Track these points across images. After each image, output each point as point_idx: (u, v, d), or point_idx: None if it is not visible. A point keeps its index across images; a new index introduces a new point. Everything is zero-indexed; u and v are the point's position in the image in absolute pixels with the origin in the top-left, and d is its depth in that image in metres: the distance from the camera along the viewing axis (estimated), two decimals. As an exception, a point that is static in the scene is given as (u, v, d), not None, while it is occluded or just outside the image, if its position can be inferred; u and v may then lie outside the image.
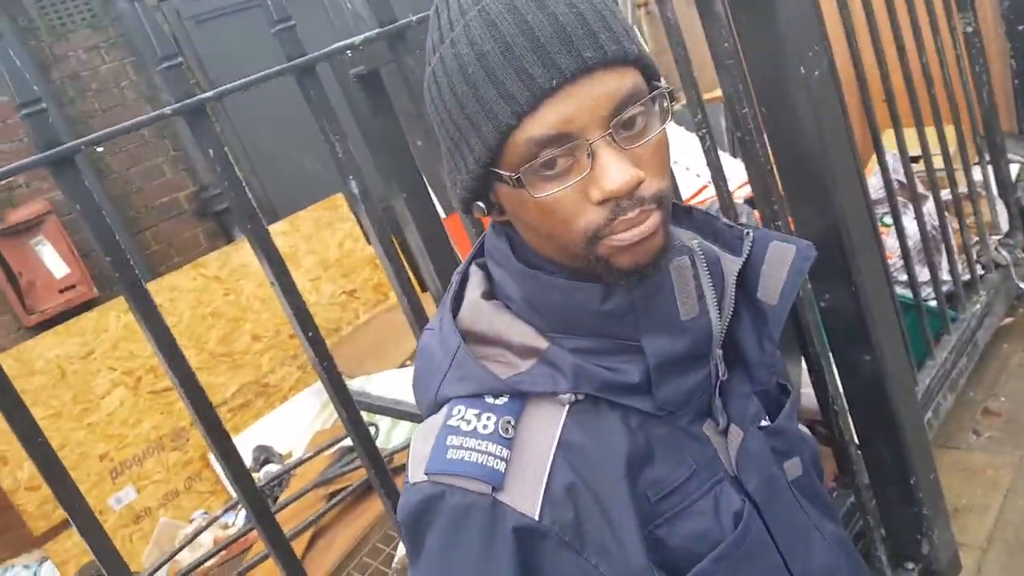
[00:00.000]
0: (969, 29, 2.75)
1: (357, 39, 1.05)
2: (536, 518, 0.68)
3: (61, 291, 3.25)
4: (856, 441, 1.85)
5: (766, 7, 1.50)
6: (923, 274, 2.62)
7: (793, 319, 1.77)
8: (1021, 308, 3.07)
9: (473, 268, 0.81)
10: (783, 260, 0.79)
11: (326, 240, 3.84)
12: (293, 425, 3.35)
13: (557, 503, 0.69)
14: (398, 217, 1.32)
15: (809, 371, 1.82)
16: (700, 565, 0.75)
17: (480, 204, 0.73)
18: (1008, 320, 3.03)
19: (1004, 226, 3.04)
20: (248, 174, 3.97)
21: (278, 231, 3.72)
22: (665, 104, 0.68)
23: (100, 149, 3.07)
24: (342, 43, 1.05)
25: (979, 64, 2.80)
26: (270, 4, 0.96)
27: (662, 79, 0.70)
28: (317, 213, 3.82)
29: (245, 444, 3.18)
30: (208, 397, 1.04)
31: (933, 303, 2.61)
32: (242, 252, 3.58)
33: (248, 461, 3.07)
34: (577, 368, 0.72)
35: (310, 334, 1.09)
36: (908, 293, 2.50)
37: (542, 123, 0.63)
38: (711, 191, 3.35)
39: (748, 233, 0.80)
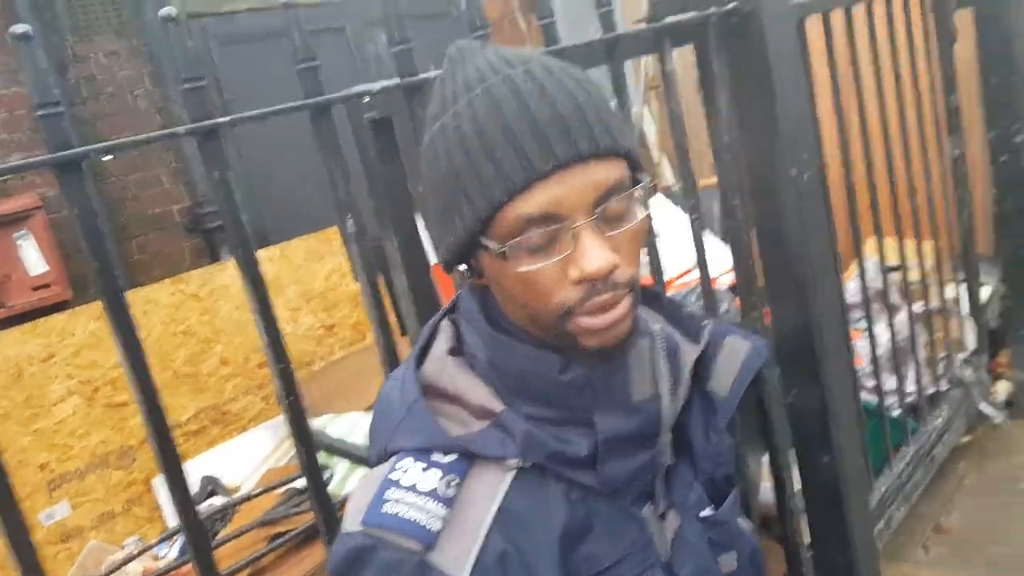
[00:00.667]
0: (957, 153, 2.87)
1: (375, 86, 1.09)
2: None
3: (35, 288, 3.22)
4: (808, 542, 1.86)
5: (766, 109, 1.57)
6: (890, 382, 2.67)
7: (760, 410, 1.79)
8: (980, 428, 3.13)
9: (444, 323, 0.83)
10: (737, 355, 0.83)
11: (314, 271, 3.85)
12: (246, 459, 3.29)
13: (487, 571, 0.70)
14: (388, 258, 1.34)
15: (771, 465, 1.84)
16: None
17: (462, 268, 0.77)
18: (967, 439, 3.08)
19: (971, 345, 3.11)
20: (247, 194, 3.99)
21: (266, 256, 3.72)
22: (646, 196, 0.73)
23: (108, 157, 3.09)
24: (361, 88, 1.09)
25: (963, 187, 2.91)
26: (297, 42, 1.00)
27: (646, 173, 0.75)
28: (309, 243, 3.84)
29: (194, 471, 3.12)
30: (165, 418, 1.03)
31: (896, 413, 2.65)
32: (225, 273, 3.57)
33: (194, 490, 3.01)
34: (528, 436, 0.73)
35: (281, 365, 1.09)
36: (873, 399, 2.54)
37: (533, 203, 0.67)
38: (696, 274, 3.42)
39: (707, 324, 0.84)
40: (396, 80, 1.09)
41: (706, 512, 0.86)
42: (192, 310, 3.44)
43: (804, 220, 1.64)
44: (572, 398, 0.75)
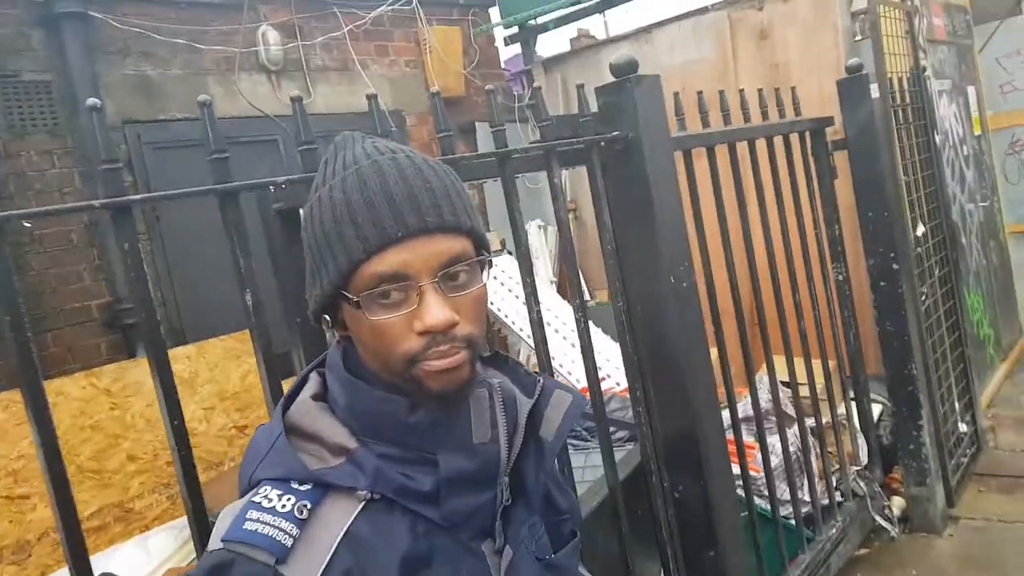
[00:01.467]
0: (840, 277, 3.13)
1: (281, 178, 1.22)
2: None
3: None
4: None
5: (647, 224, 1.75)
6: (785, 493, 2.79)
7: (649, 510, 1.89)
8: (876, 541, 3.25)
9: (313, 374, 0.93)
10: (562, 405, 0.93)
11: (229, 371, 3.84)
12: (147, 558, 3.17)
13: None
14: (292, 361, 1.42)
15: (661, 564, 1.91)
16: None
17: (327, 317, 0.87)
18: (863, 551, 3.19)
19: (863, 459, 3.28)
20: (168, 292, 4.02)
21: (182, 354, 3.71)
22: (487, 269, 0.85)
23: (28, 224, 3.11)
24: (266, 179, 1.21)
25: (848, 309, 3.16)
26: (209, 136, 1.13)
27: (490, 248, 0.88)
28: (227, 343, 3.85)
29: (95, 568, 2.99)
30: (77, 511, 1.06)
31: (791, 521, 2.76)
32: (140, 369, 3.54)
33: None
34: (378, 471, 0.82)
35: (183, 452, 1.15)
36: (768, 507, 2.65)
37: (385, 262, 0.79)
38: (609, 383, 3.55)
39: (540, 380, 0.95)
40: (301, 173, 1.22)
41: (546, 555, 0.93)
42: (102, 404, 3.38)
43: (684, 323, 1.80)
44: (417, 439, 0.84)
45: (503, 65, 5.78)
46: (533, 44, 5.48)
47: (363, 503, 0.82)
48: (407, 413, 0.84)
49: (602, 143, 1.75)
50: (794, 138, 2.87)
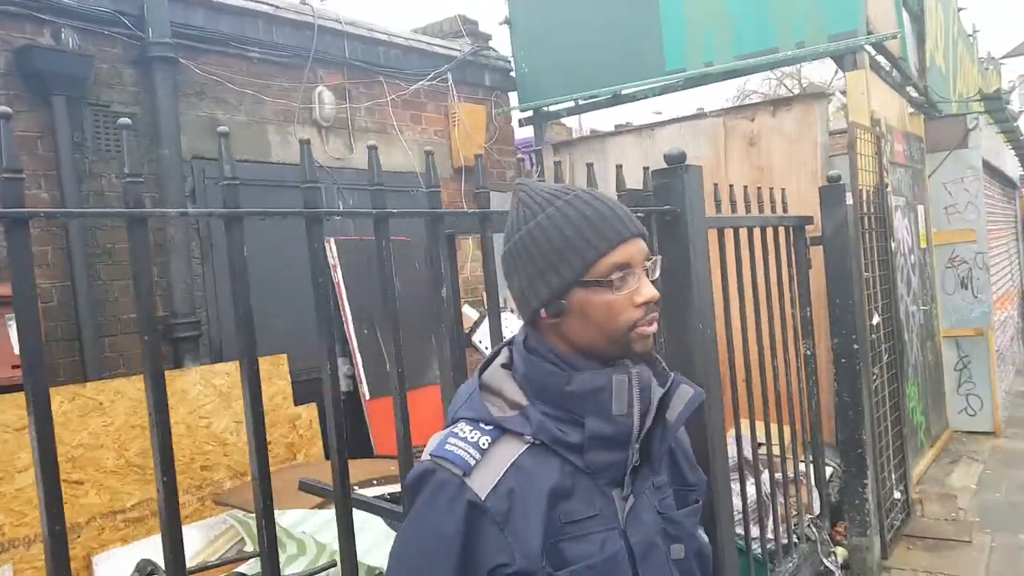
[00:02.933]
0: (808, 352, 3.72)
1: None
2: (483, 500, 1.05)
3: (15, 366, 3.49)
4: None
5: (685, 279, 2.30)
6: (756, 531, 3.30)
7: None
8: (824, 584, 3.76)
9: (504, 349, 1.21)
10: (685, 396, 1.18)
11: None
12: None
13: (499, 496, 1.06)
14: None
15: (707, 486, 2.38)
16: (575, 567, 1.08)
17: (545, 310, 1.13)
18: (810, 591, 3.69)
19: (816, 510, 3.81)
20: (213, 312, 4.42)
21: (222, 370, 4.11)
22: (659, 263, 1.18)
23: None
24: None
25: (812, 381, 3.74)
26: (306, 167, 1.50)
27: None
28: (263, 366, 4.26)
29: (134, 555, 3.31)
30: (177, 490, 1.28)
31: (758, 553, 3.27)
32: (185, 379, 3.93)
33: (131, 570, 3.18)
34: (540, 423, 1.10)
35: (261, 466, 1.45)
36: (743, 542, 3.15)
37: (619, 255, 1.11)
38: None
39: (672, 376, 1.19)
40: (369, 208, 1.66)
41: (668, 512, 1.20)
42: (154, 406, 3.74)
43: (705, 362, 2.33)
44: (572, 405, 1.10)
45: (516, 143, 6.41)
46: (544, 128, 6.15)
47: (528, 445, 1.10)
48: (565, 383, 1.11)
49: (657, 213, 2.31)
50: (781, 231, 3.48)
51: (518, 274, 1.16)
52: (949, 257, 6.41)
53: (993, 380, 6.29)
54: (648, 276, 1.15)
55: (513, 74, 5.90)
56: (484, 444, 1.10)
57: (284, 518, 3.34)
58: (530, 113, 6.01)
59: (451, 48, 5.73)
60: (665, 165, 2.38)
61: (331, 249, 4.71)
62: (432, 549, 1.06)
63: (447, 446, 1.10)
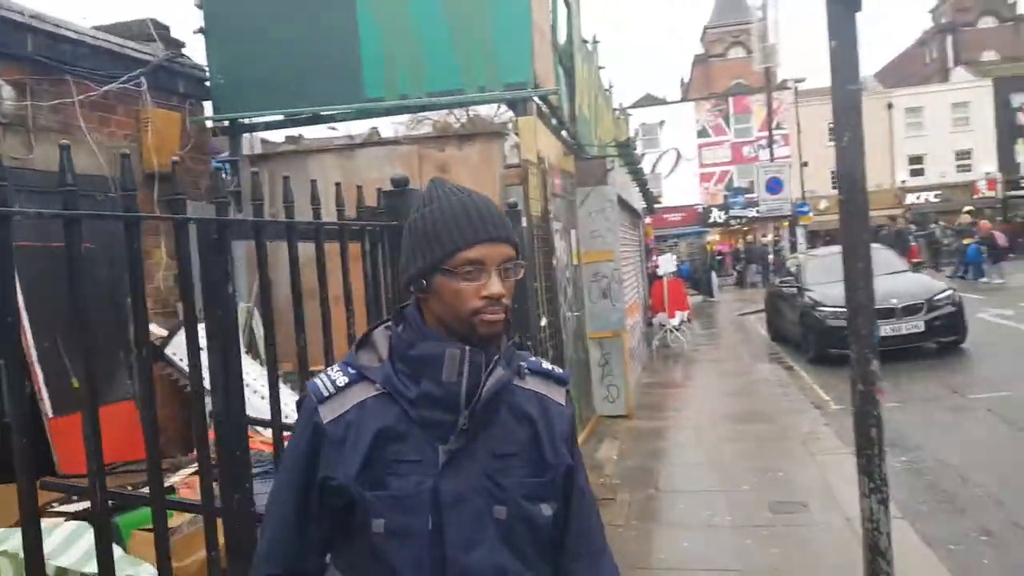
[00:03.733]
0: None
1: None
2: (326, 424, 1.31)
3: None
4: None
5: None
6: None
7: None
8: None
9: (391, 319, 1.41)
10: (495, 377, 1.30)
11: None
12: None
13: (339, 425, 1.30)
14: None
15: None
16: (379, 492, 1.28)
17: (412, 286, 1.33)
18: None
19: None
20: None
21: None
22: (522, 267, 1.34)
23: None
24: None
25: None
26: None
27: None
28: None
29: None
30: None
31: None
32: None
33: None
34: (388, 376, 1.31)
35: None
36: None
37: (474, 252, 1.27)
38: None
39: (523, 363, 1.38)
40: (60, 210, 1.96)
41: (495, 476, 1.31)
42: None
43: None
44: (414, 366, 1.30)
45: (211, 153, 6.36)
46: (240, 139, 6.22)
47: (378, 392, 1.32)
48: (409, 347, 1.31)
49: (388, 228, 2.73)
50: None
51: (403, 251, 1.38)
52: (594, 273, 7.74)
53: (627, 373, 7.71)
54: (504, 276, 1.30)
55: (209, 84, 5.90)
56: (341, 383, 1.33)
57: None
58: (226, 124, 6.04)
59: (144, 52, 5.56)
60: (391, 187, 2.82)
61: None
62: (291, 457, 1.37)
63: (316, 380, 1.36)
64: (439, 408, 1.29)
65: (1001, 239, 19.55)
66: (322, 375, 1.37)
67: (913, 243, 24.16)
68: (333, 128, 15.48)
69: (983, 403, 7.44)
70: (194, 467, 3.34)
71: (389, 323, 1.40)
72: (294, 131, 9.92)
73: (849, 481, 2.96)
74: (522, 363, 1.39)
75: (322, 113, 5.84)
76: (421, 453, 1.29)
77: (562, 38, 6.86)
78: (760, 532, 4.60)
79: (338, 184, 2.63)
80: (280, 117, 6.15)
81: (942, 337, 10.06)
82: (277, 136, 11.70)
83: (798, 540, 4.48)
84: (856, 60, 2.60)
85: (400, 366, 1.32)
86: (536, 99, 5.36)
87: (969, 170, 34.87)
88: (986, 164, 34.53)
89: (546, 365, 1.45)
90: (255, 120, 6.27)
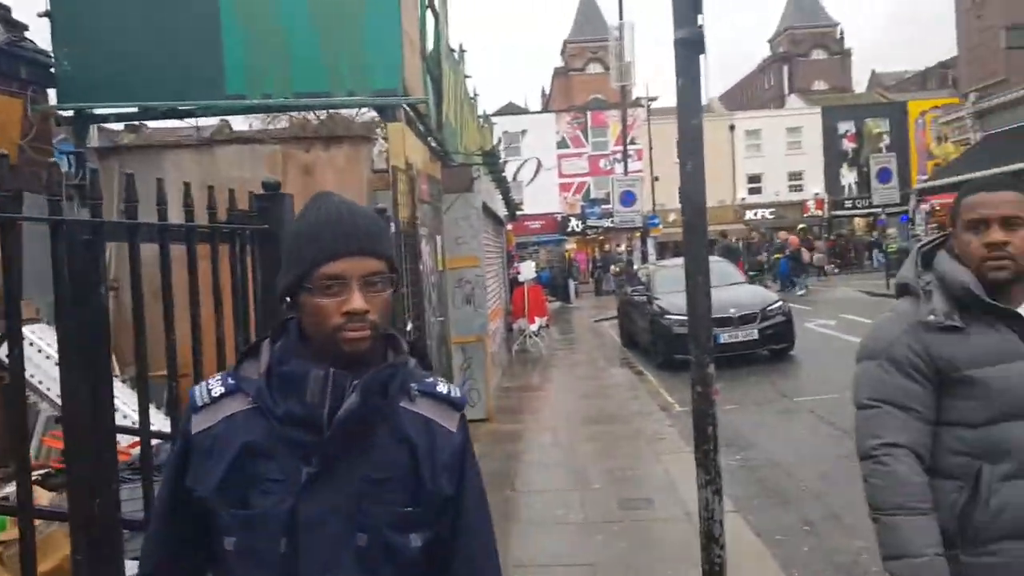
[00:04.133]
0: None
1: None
2: (194, 434, 1.31)
3: None
4: None
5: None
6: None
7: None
8: None
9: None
10: (347, 402, 1.27)
11: None
12: None
13: (206, 436, 1.30)
14: None
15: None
16: (234, 510, 1.27)
17: (287, 299, 1.32)
18: None
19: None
20: None
21: None
22: (393, 283, 1.32)
23: None
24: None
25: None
26: None
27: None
28: None
29: None
30: None
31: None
32: None
33: None
34: (259, 391, 1.29)
35: None
36: None
37: (332, 268, 1.25)
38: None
39: (414, 387, 1.34)
40: None
41: (361, 501, 1.28)
42: None
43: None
44: (283, 384, 1.28)
45: (55, 144, 5.96)
46: (87, 131, 5.87)
47: (250, 406, 1.31)
48: (279, 364, 1.31)
49: (258, 231, 2.72)
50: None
51: (285, 253, 1.36)
52: (458, 279, 7.86)
53: (488, 378, 7.89)
54: (369, 291, 1.26)
55: (53, 71, 5.54)
56: (217, 393, 1.33)
57: None
58: (71, 113, 5.69)
59: (-21, 32, 5.16)
60: (262, 191, 2.81)
61: None
62: (167, 464, 1.39)
63: (196, 388, 1.36)
64: (302, 428, 1.27)
65: (807, 256, 21.58)
66: (203, 383, 1.37)
67: (741, 258, 26.06)
68: (180, 119, 14.74)
69: (807, 405, 8.19)
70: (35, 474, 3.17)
71: (272, 340, 1.37)
72: (136, 122, 9.43)
73: (690, 478, 3.24)
74: (413, 384, 1.35)
75: (180, 108, 5.61)
76: (285, 472, 1.27)
77: (430, 46, 6.95)
78: (610, 528, 4.89)
79: (211, 187, 2.58)
80: (134, 109, 5.85)
81: (774, 345, 10.96)
82: (118, 127, 11.04)
83: (644, 534, 4.80)
84: (699, 97, 2.88)
85: (274, 380, 1.30)
86: (406, 107, 5.42)
87: (801, 190, 37.83)
88: (815, 185, 37.64)
89: (441, 388, 1.39)
90: (105, 111, 5.94)
